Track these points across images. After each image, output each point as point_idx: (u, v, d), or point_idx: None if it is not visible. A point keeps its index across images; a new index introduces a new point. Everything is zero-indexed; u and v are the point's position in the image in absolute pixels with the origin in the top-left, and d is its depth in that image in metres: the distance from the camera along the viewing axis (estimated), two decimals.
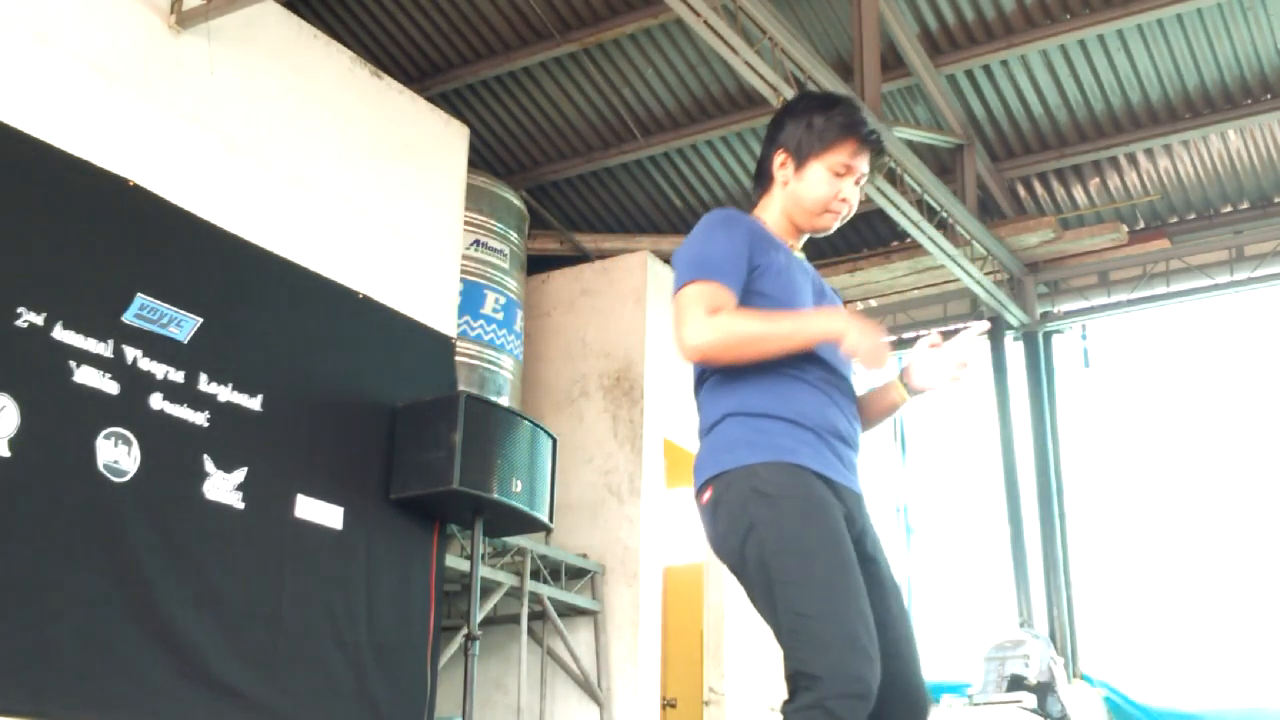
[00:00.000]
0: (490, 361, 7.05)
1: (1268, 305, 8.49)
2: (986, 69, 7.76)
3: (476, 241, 7.19)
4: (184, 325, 4.96)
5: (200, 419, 4.94)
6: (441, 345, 6.27)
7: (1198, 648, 8.01)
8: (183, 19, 5.26)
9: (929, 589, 9.03)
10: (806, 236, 2.80)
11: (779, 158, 2.71)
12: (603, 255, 8.57)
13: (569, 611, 7.34)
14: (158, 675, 4.57)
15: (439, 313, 6.30)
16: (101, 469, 4.56)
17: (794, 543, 2.38)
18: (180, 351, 4.91)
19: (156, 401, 4.79)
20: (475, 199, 7.17)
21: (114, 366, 4.66)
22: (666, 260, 7.32)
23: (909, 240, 8.13)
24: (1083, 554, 8.48)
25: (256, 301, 5.33)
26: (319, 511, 5.35)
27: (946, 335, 2.75)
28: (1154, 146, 8.17)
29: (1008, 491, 8.47)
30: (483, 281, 7.16)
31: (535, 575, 6.91)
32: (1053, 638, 7.95)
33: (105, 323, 4.68)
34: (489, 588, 6.47)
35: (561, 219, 8.96)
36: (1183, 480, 8.42)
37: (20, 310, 4.41)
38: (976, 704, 7.20)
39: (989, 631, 7.85)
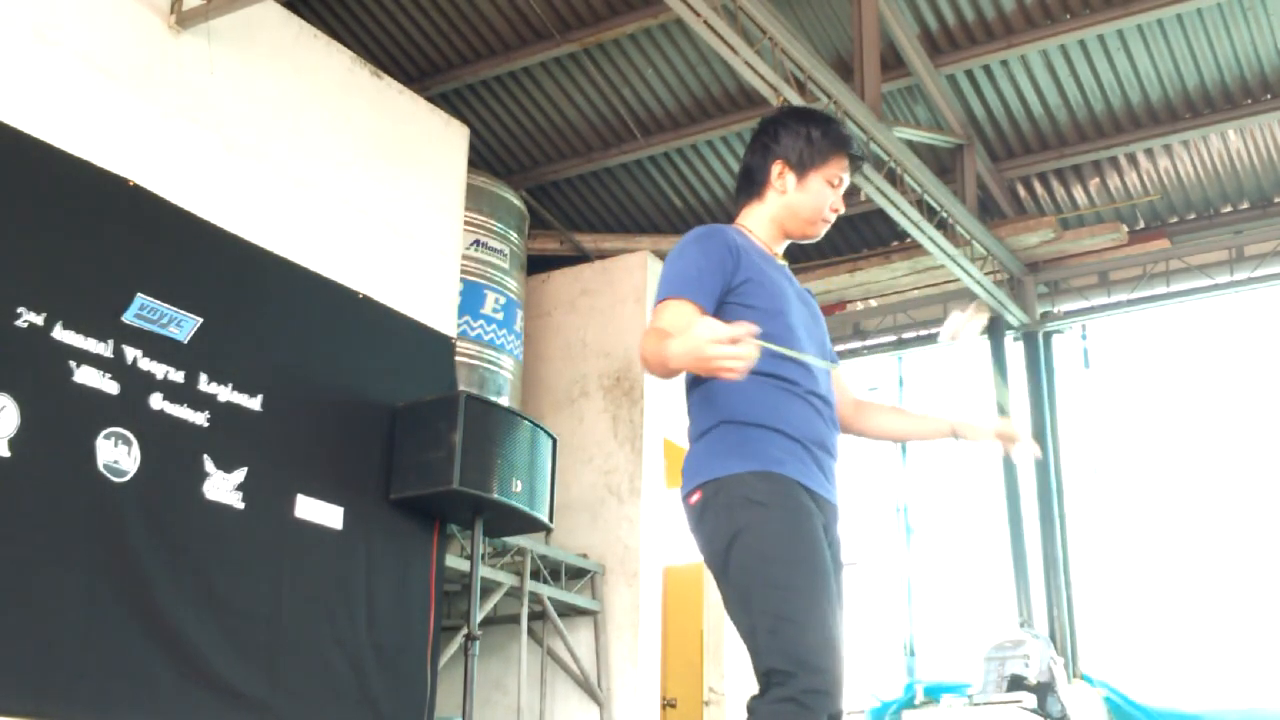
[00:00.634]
0: (490, 361, 7.06)
1: (1268, 305, 8.49)
2: (986, 69, 7.75)
3: (476, 241, 7.19)
4: (184, 325, 4.96)
5: (200, 419, 4.94)
6: (441, 345, 6.27)
7: (1198, 648, 8.01)
8: (183, 19, 5.26)
9: (929, 589, 9.03)
10: (789, 243, 2.92)
11: (777, 168, 2.83)
12: (603, 255, 8.58)
13: (569, 611, 7.34)
14: (158, 675, 4.57)
15: (439, 313, 6.30)
16: (101, 469, 4.56)
17: (779, 550, 2.50)
18: (180, 351, 4.91)
19: (156, 401, 4.79)
20: (475, 199, 7.17)
21: (114, 366, 4.66)
22: None
23: (909, 240, 8.13)
24: (1083, 554, 8.47)
25: (256, 301, 5.33)
26: (319, 511, 5.35)
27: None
28: (1154, 146, 8.17)
29: (1008, 491, 8.47)
30: (483, 281, 7.16)
31: (535, 575, 6.91)
32: (1053, 638, 7.95)
33: (105, 323, 4.67)
34: (489, 588, 6.47)
35: (561, 219, 8.96)
36: (1183, 480, 8.42)
37: (20, 310, 4.41)
38: (976, 704, 7.20)
39: (989, 631, 7.85)
